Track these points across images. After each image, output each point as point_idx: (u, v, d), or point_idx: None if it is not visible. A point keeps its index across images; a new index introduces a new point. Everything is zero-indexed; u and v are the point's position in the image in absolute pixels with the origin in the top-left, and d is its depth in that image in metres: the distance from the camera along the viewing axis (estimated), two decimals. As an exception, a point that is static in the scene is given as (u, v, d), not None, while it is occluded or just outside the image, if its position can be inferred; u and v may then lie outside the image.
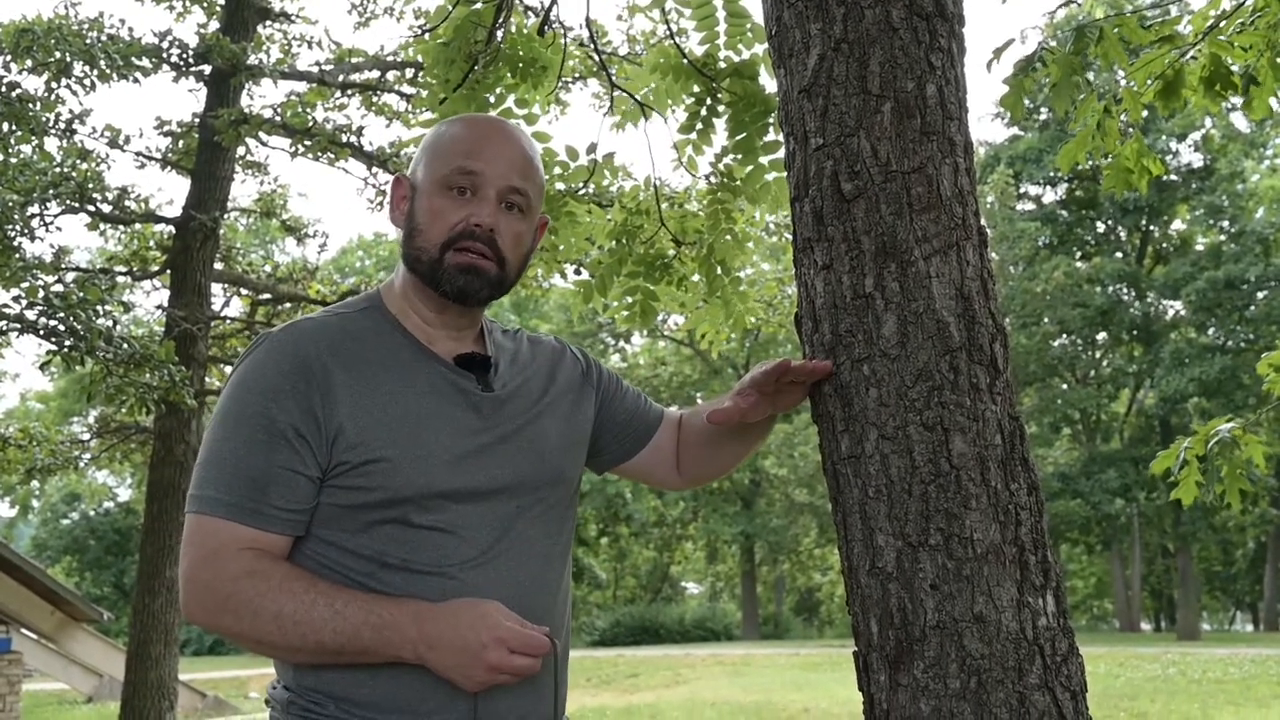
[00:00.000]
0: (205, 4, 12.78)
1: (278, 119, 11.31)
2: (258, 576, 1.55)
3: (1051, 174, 32.40)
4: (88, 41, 9.89)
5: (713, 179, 3.92)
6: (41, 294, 8.50)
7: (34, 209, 9.70)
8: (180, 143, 12.22)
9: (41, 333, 8.48)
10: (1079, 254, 34.60)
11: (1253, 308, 30.88)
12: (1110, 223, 34.85)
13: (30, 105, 9.67)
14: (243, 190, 38.67)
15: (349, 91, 12.27)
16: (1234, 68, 3.75)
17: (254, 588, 1.54)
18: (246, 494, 1.57)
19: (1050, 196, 34.94)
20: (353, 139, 11.44)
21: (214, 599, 1.56)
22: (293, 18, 12.65)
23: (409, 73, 12.06)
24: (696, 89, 3.65)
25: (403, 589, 1.59)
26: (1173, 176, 32.30)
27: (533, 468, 1.72)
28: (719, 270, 3.97)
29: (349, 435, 1.59)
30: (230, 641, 1.65)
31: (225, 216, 12.05)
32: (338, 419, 1.60)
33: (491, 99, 3.81)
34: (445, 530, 1.62)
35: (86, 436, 14.82)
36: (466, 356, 1.74)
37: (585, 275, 4.55)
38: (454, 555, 1.62)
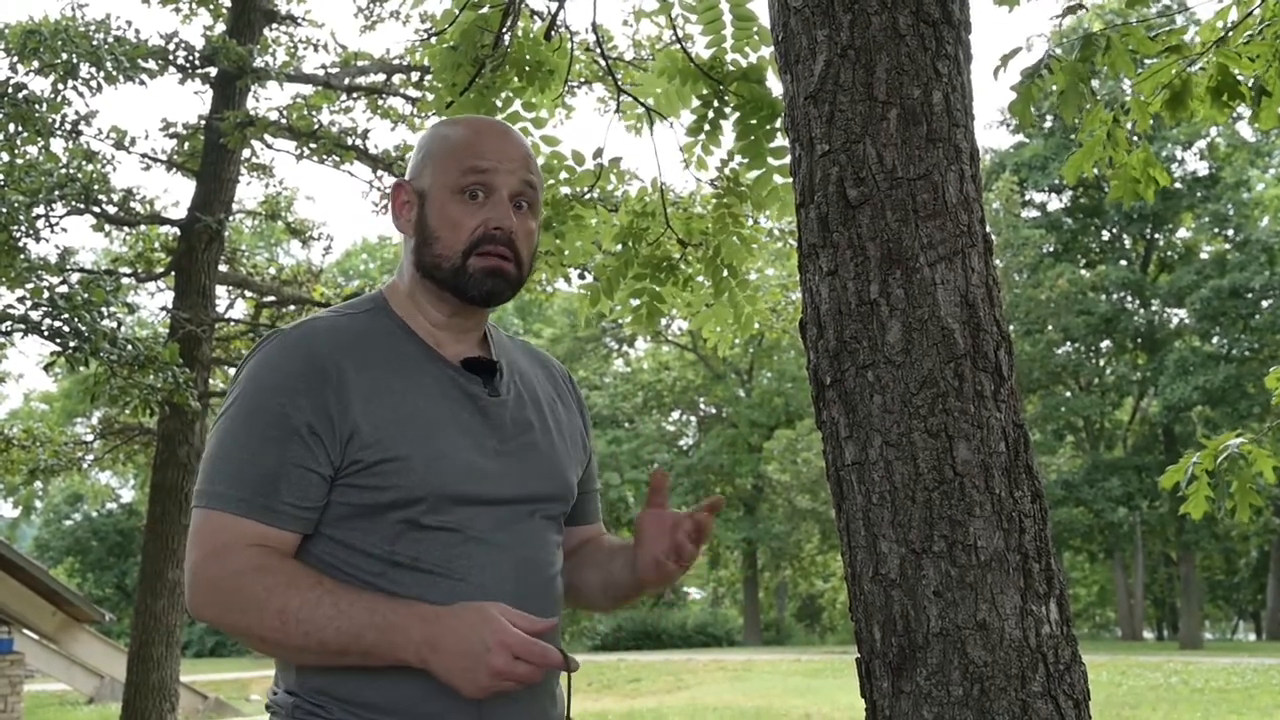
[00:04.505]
0: (211, 6, 12.79)
1: (283, 121, 11.32)
2: (265, 572, 1.54)
3: (1057, 181, 32.35)
4: (94, 43, 9.89)
5: (719, 183, 3.92)
6: (46, 295, 8.51)
7: (39, 210, 9.71)
8: (186, 145, 12.23)
9: (46, 334, 8.48)
10: (1083, 261, 34.56)
11: (1257, 316, 30.85)
12: (1115, 230, 34.83)
13: (36, 106, 9.67)
14: (248, 192, 38.79)
15: (355, 95, 12.28)
16: (1241, 78, 3.73)
17: (260, 583, 1.53)
18: (257, 490, 1.57)
19: (1055, 204, 34.93)
20: (358, 142, 11.46)
21: (220, 595, 1.55)
22: (299, 21, 12.66)
23: (415, 76, 12.07)
24: (704, 91, 3.65)
25: (411, 588, 1.58)
26: (1178, 185, 32.25)
27: (541, 476, 1.72)
28: (725, 272, 3.97)
29: (364, 434, 1.59)
30: (235, 639, 1.64)
31: (230, 219, 12.06)
32: (352, 417, 1.60)
33: (498, 103, 3.82)
34: (455, 530, 1.62)
35: (90, 438, 14.80)
36: (473, 360, 1.74)
37: (591, 279, 4.55)
38: (463, 556, 1.61)
